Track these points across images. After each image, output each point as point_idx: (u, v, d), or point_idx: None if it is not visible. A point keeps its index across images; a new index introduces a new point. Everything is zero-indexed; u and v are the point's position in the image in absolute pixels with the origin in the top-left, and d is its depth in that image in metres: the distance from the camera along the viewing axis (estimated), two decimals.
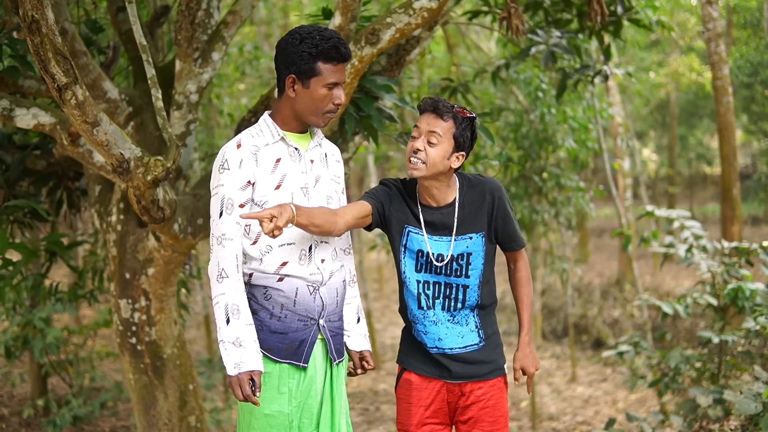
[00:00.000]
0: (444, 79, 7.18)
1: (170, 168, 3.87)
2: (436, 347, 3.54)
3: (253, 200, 3.16)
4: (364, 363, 3.57)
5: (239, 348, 3.06)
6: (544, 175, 9.30)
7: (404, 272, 3.54)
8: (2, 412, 9.04)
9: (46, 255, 6.00)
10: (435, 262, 3.47)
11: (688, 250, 6.29)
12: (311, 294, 3.24)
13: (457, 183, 3.52)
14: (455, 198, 3.49)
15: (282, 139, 3.22)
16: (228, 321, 3.07)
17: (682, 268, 17.24)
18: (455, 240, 3.46)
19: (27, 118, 4.46)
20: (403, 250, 3.53)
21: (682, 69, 17.88)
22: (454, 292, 3.50)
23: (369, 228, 3.53)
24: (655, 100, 22.70)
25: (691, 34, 17.39)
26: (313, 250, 3.26)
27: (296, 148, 3.25)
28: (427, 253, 3.48)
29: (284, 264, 3.20)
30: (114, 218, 5.15)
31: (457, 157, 3.40)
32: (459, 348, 3.53)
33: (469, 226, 3.47)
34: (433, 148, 3.35)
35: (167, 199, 4.22)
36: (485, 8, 6.06)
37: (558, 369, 12.31)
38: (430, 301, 3.52)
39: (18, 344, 7.99)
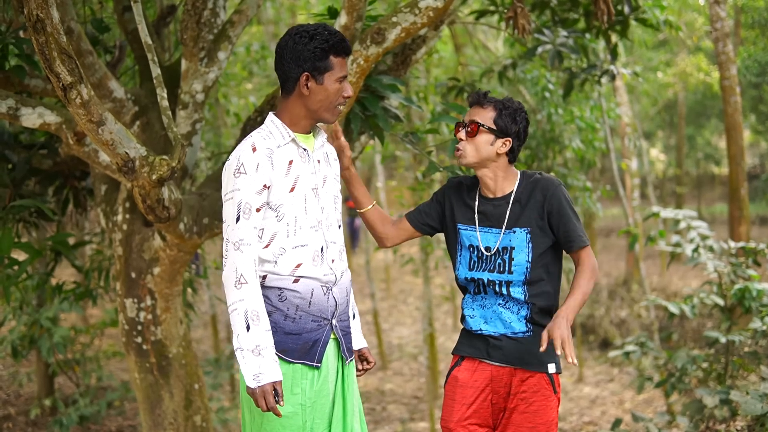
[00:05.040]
0: (451, 78, 7.16)
1: (175, 167, 3.87)
2: (481, 329, 3.61)
3: (268, 204, 3.16)
4: (364, 362, 3.60)
5: (258, 357, 3.03)
6: (552, 174, 9.27)
7: (458, 269, 3.66)
8: (9, 411, 9.06)
9: (51, 254, 6.01)
10: (484, 252, 3.57)
11: (695, 250, 6.27)
12: (325, 294, 3.25)
13: (518, 178, 3.61)
14: (512, 191, 3.58)
15: (293, 140, 3.23)
16: (248, 328, 3.04)
17: (689, 268, 17.19)
18: (504, 233, 3.55)
19: (33, 117, 4.46)
20: (459, 248, 3.66)
21: (689, 69, 17.82)
22: (497, 287, 3.55)
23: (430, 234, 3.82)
24: (663, 100, 22.63)
25: (699, 34, 17.33)
26: (324, 250, 3.27)
27: (305, 149, 3.26)
28: (478, 247, 3.59)
29: (299, 265, 3.20)
30: (120, 217, 5.15)
31: (504, 143, 3.53)
32: (503, 334, 3.57)
33: (517, 220, 3.54)
34: (473, 136, 3.52)
35: (172, 198, 4.22)
36: (492, 8, 6.05)
37: (565, 369, 12.29)
38: (482, 290, 3.61)
39: (25, 344, 8.01)
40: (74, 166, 5.75)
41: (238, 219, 3.10)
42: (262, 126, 3.26)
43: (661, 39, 18.64)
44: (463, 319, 3.72)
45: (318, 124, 3.38)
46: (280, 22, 14.10)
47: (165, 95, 3.91)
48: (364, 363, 3.59)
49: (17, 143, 5.64)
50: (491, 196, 3.61)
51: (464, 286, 3.69)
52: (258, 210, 3.12)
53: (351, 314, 3.55)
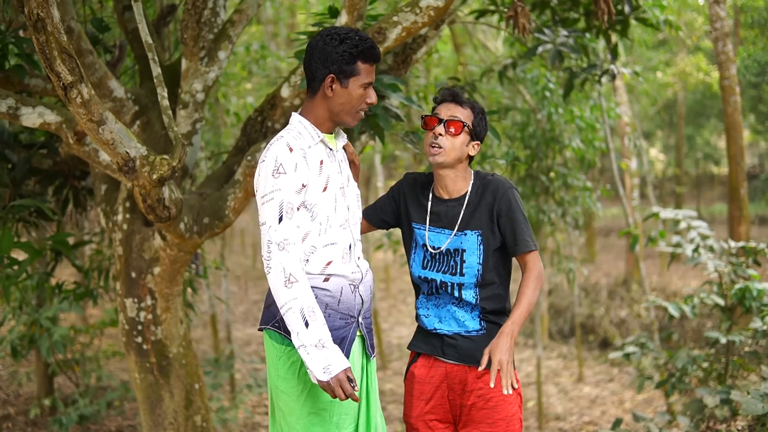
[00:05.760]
0: (451, 78, 7.15)
1: (176, 167, 3.87)
2: (435, 329, 3.60)
3: (303, 203, 3.19)
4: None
5: (323, 350, 3.04)
6: (551, 174, 9.26)
7: (412, 267, 3.65)
8: (9, 411, 9.05)
9: (51, 254, 6.00)
10: (432, 251, 3.55)
11: (695, 250, 6.27)
12: (352, 292, 3.31)
13: (472, 179, 3.58)
14: (466, 192, 3.55)
15: (321, 141, 3.29)
16: (307, 324, 3.04)
17: (689, 268, 17.20)
18: (455, 235, 3.52)
19: (33, 116, 4.46)
20: (414, 246, 3.66)
21: (689, 68, 17.82)
22: (449, 289, 3.55)
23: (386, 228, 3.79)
24: (663, 100, 22.63)
25: (699, 34, 17.34)
26: (352, 248, 3.34)
27: (330, 149, 3.34)
28: (429, 246, 3.57)
29: (329, 263, 3.25)
30: (120, 217, 5.15)
31: (474, 146, 3.52)
32: (458, 333, 3.56)
33: (468, 223, 3.52)
34: (452, 134, 3.46)
35: (173, 197, 4.22)
36: (492, 7, 6.05)
37: (565, 369, 12.29)
38: (435, 290, 3.60)
39: (24, 343, 7.99)
40: (74, 166, 5.74)
41: (280, 219, 3.11)
42: (290, 126, 3.30)
43: (660, 39, 18.64)
44: (417, 317, 3.71)
45: None
46: (280, 21, 14.12)
47: (165, 94, 3.90)
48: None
49: (17, 143, 5.63)
50: (446, 197, 3.58)
51: (418, 285, 3.67)
52: (298, 209, 3.16)
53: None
